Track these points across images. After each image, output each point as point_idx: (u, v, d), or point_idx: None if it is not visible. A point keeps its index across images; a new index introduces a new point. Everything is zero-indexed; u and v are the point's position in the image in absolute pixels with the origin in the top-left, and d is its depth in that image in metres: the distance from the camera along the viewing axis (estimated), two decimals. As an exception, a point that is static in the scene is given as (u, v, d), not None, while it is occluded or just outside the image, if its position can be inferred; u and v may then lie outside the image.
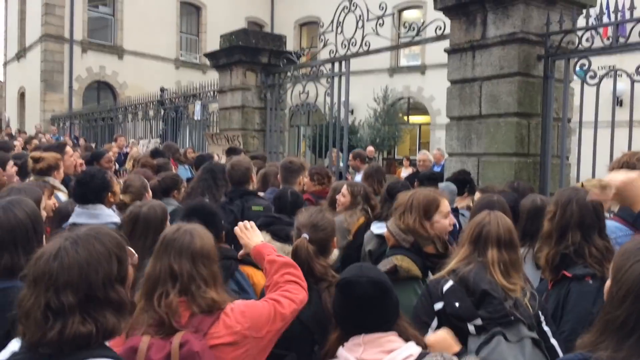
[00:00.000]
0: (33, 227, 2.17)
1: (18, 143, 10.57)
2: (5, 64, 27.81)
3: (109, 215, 3.40)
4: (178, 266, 1.91)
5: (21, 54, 24.29)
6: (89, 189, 3.40)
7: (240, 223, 2.56)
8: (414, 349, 1.75)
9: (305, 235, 2.44)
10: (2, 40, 27.84)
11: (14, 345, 1.51)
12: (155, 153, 7.29)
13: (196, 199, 3.63)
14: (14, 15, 25.17)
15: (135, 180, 4.00)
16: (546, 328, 2.24)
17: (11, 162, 4.72)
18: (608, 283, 1.45)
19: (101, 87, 23.02)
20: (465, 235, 2.40)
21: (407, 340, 1.78)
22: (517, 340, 2.11)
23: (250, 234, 2.49)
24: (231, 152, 7.21)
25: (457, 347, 1.99)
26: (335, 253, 2.61)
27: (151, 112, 14.15)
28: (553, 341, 2.22)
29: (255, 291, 2.76)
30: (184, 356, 1.74)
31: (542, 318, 2.25)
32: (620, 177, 2.01)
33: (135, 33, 22.68)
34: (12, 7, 25.65)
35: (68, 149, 5.38)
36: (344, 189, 4.21)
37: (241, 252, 2.59)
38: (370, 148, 14.82)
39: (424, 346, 1.81)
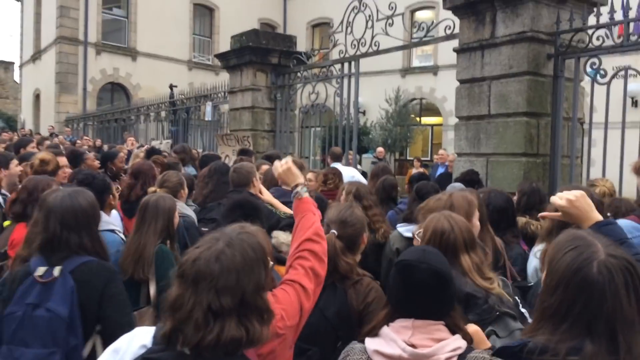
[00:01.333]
0: (92, 214, 2.47)
1: (32, 144, 10.64)
2: (21, 66, 28.23)
3: (107, 223, 3.37)
4: None
5: (36, 56, 24.60)
6: (92, 190, 3.41)
7: (276, 163, 2.66)
8: (461, 342, 1.71)
9: (333, 231, 2.41)
10: (18, 42, 28.23)
11: (141, 337, 1.50)
12: (150, 152, 7.17)
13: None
14: (30, 18, 25.50)
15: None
16: (523, 310, 2.28)
17: (15, 161, 4.71)
18: (543, 275, 1.54)
19: (115, 89, 23.25)
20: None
21: (453, 333, 1.74)
22: (507, 335, 2.12)
23: (291, 174, 2.42)
24: (243, 153, 7.22)
25: (488, 344, 1.97)
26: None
27: (163, 113, 14.24)
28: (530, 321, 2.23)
29: None
30: None
31: (519, 301, 2.31)
32: (565, 196, 2.06)
33: (149, 35, 22.87)
34: (28, 9, 26.02)
35: (63, 158, 5.07)
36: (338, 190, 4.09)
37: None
38: (380, 149, 14.85)
39: (469, 341, 1.77)
